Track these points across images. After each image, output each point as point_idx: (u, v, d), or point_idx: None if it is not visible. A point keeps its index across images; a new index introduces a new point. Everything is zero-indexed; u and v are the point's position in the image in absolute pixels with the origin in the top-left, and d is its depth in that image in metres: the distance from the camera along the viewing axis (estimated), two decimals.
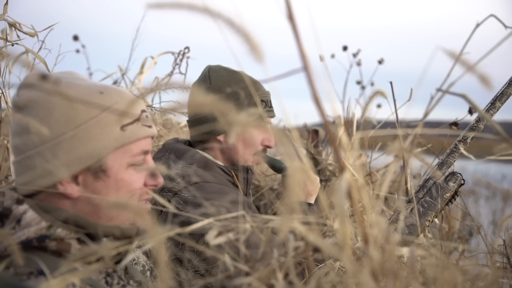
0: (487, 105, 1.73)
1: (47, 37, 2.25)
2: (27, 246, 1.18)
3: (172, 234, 0.99)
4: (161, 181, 1.36)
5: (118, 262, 1.21)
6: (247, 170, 2.03)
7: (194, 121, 2.04)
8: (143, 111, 1.31)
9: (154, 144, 2.51)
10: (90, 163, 1.23)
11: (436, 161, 1.82)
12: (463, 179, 1.67)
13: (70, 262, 1.06)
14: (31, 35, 2.10)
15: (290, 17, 0.90)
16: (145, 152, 1.32)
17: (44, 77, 0.78)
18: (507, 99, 1.70)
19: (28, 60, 1.90)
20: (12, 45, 1.97)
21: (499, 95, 1.70)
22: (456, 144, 1.68)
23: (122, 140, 1.26)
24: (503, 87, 1.72)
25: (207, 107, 0.81)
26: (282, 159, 2.19)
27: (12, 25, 1.98)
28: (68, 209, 1.24)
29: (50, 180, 1.23)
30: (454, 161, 1.68)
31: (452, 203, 1.63)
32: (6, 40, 1.96)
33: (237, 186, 1.97)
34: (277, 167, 2.20)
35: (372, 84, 3.16)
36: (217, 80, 1.97)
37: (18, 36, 2.06)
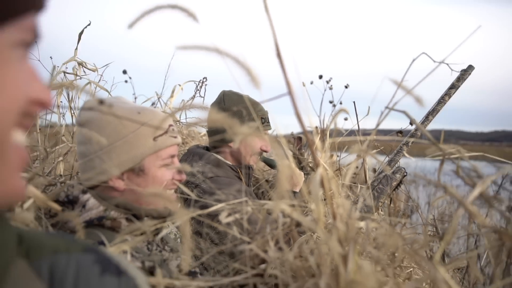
0: (422, 118, 1.73)
1: (105, 71, 2.25)
2: (90, 224, 1.18)
3: (194, 215, 0.99)
4: (184, 177, 1.37)
5: (156, 234, 1.21)
6: (249, 167, 2.02)
7: (211, 132, 2.03)
8: (170, 125, 1.32)
9: (181, 149, 2.51)
10: (133, 165, 1.24)
11: (387, 159, 1.82)
12: (406, 172, 1.67)
13: (122, 235, 1.07)
14: (93, 71, 2.10)
15: (278, 55, 0.91)
16: (172, 156, 1.33)
17: (101, 101, 0.78)
18: (437, 113, 1.71)
19: (91, 89, 1.90)
20: (80, 78, 1.98)
21: (431, 110, 1.71)
22: (400, 147, 1.68)
23: (154, 148, 1.27)
24: (434, 104, 1.72)
25: (220, 122, 0.82)
26: (274, 159, 2.19)
27: (80, 63, 1.99)
28: (118, 198, 1.25)
29: (105, 177, 1.24)
30: (399, 159, 1.69)
31: (398, 189, 1.63)
32: (76, 75, 1.96)
33: (241, 179, 1.96)
34: (272, 165, 2.20)
35: (340, 103, 3.16)
36: (229, 101, 1.97)
37: (84, 71, 2.06)
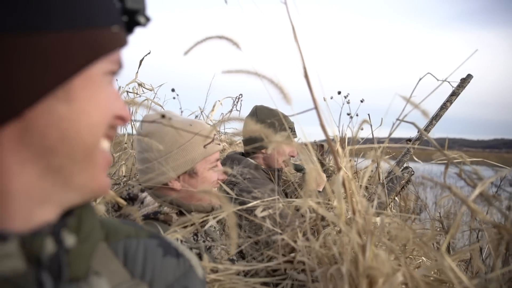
0: (427, 123, 1.70)
1: (158, 90, 2.33)
2: (147, 217, 1.23)
3: (237, 209, 1.02)
4: (225, 177, 1.41)
5: (202, 226, 1.25)
6: (279, 170, 2.04)
7: (247, 141, 2.06)
8: (215, 135, 1.36)
9: (221, 155, 2.54)
10: (187, 169, 1.29)
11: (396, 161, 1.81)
12: (413, 171, 1.65)
13: (174, 226, 1.11)
14: (150, 90, 2.18)
15: (306, 76, 0.93)
16: (217, 160, 1.37)
17: (163, 115, 0.82)
18: (439, 118, 1.68)
19: (148, 105, 1.97)
20: (139, 96, 2.05)
21: (435, 115, 1.69)
22: (408, 149, 1.66)
23: (204, 154, 1.32)
24: (437, 110, 1.70)
25: (257, 131, 0.85)
26: (301, 163, 2.20)
27: (139, 84, 2.06)
28: (175, 196, 1.29)
29: (165, 179, 1.28)
30: (406, 159, 1.67)
31: (406, 186, 1.62)
32: (136, 93, 2.04)
33: (272, 181, 1.98)
34: (298, 169, 2.20)
35: (357, 115, 3.15)
36: (261, 114, 1.99)
37: (142, 90, 2.14)
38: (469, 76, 1.64)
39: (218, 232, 1.47)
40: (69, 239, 0.48)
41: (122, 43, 0.50)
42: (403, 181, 1.56)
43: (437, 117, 1.68)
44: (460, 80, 1.63)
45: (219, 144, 1.38)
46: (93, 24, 0.46)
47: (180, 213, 1.27)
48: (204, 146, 1.31)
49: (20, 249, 0.43)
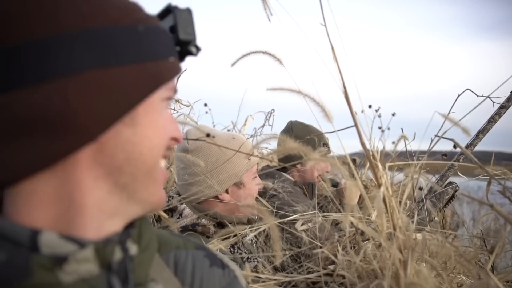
0: (473, 137, 1.60)
1: (194, 105, 2.40)
2: (185, 229, 1.26)
3: (277, 222, 1.04)
4: (262, 186, 1.46)
5: (243, 238, 1.27)
6: (313, 185, 2.04)
7: (285, 158, 2.06)
8: (253, 147, 1.41)
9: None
10: (236, 180, 1.33)
11: (438, 176, 1.76)
12: (458, 186, 1.60)
13: (216, 237, 1.14)
14: (187, 106, 2.24)
15: (345, 94, 0.95)
16: (256, 171, 1.42)
17: (208, 134, 0.87)
18: (487, 132, 1.61)
19: (184, 119, 2.02)
20: (176, 112, 2.12)
21: (481, 129, 1.61)
22: (451, 164, 1.60)
23: (249, 165, 1.36)
24: (484, 123, 1.62)
25: (295, 150, 0.88)
26: (333, 178, 2.19)
27: (177, 101, 2.14)
28: (218, 208, 1.33)
29: (213, 192, 1.32)
30: (450, 174, 1.62)
31: (451, 203, 1.56)
32: (174, 109, 2.11)
33: (307, 196, 1.98)
34: (332, 184, 2.20)
35: (388, 128, 3.11)
36: (296, 130, 2.00)
37: (179, 106, 2.21)
38: None
39: (254, 244, 1.50)
40: (133, 248, 0.53)
41: (177, 71, 0.56)
42: (447, 197, 1.51)
43: (484, 131, 1.60)
44: (511, 92, 1.56)
45: (256, 156, 1.42)
46: (154, 57, 0.52)
47: (218, 225, 1.30)
48: (248, 158, 1.34)
49: (95, 255, 0.48)
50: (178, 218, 1.29)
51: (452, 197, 1.56)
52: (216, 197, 1.32)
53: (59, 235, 0.46)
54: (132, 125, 0.50)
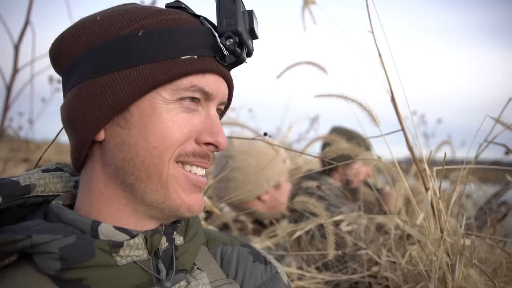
0: None
1: (239, 110, 2.45)
2: (225, 225, 1.33)
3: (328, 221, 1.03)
4: (291, 187, 1.55)
5: (290, 236, 1.28)
6: (356, 189, 2.01)
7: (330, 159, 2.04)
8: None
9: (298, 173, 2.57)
10: (275, 182, 1.38)
11: (485, 187, 1.68)
12: (511, 206, 1.51)
13: (265, 233, 1.17)
14: (232, 110, 2.32)
15: (393, 99, 0.95)
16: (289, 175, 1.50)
17: (265, 133, 0.89)
18: None
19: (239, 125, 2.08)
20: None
21: None
22: (508, 182, 1.50)
23: (284, 169, 1.40)
24: None
25: (346, 150, 0.89)
26: (375, 183, 2.15)
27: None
28: (258, 207, 1.38)
29: (260, 191, 1.40)
30: (505, 193, 1.53)
31: (502, 220, 1.48)
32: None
33: (348, 198, 1.96)
34: (374, 188, 2.15)
35: (434, 135, 3.02)
36: (341, 135, 1.99)
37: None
38: None
39: (288, 243, 1.50)
40: (178, 239, 0.59)
41: (194, 70, 0.53)
42: (499, 215, 1.43)
43: None
44: None
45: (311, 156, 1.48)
46: (153, 59, 0.52)
47: (255, 222, 1.36)
48: (284, 162, 1.40)
49: (144, 243, 0.54)
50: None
51: (505, 216, 1.47)
52: (258, 198, 1.38)
53: (113, 226, 0.53)
54: (126, 127, 0.53)
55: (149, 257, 0.54)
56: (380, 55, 0.92)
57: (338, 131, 2.02)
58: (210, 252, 0.67)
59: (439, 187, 0.86)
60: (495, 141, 1.14)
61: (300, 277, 1.06)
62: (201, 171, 0.57)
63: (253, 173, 1.33)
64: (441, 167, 0.89)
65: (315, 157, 1.03)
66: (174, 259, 0.56)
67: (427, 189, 0.86)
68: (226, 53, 0.55)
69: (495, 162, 1.72)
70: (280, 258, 1.32)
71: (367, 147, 2.03)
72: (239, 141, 1.39)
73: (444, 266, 0.86)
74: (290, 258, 1.28)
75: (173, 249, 0.57)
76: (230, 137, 1.42)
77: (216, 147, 0.56)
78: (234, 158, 1.37)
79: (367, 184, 2.09)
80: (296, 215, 1.33)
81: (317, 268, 1.08)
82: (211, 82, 0.55)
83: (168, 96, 0.53)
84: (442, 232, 0.87)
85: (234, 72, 0.62)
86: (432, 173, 0.89)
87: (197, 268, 0.61)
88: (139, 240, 0.53)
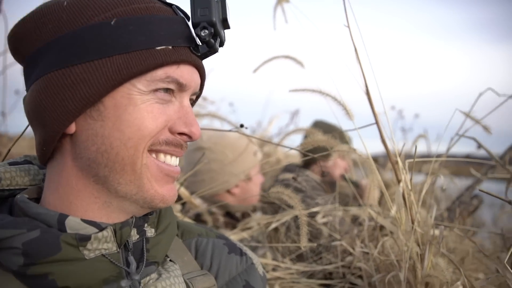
0: (505, 150, 1.56)
1: (220, 105, 2.45)
2: (197, 217, 1.31)
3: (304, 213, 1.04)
4: (263, 179, 1.56)
5: (266, 227, 1.29)
6: (333, 182, 2.03)
7: (306, 152, 2.05)
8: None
9: (278, 166, 2.58)
10: (245, 176, 1.39)
11: (458, 180, 1.73)
12: (483, 200, 1.55)
13: (240, 226, 1.17)
14: (212, 103, 2.30)
15: (367, 93, 0.96)
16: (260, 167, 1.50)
17: (241, 125, 0.88)
18: None
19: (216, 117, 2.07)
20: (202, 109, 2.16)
21: None
22: (480, 176, 1.54)
23: (255, 161, 1.42)
24: None
25: (322, 142, 0.90)
26: (353, 177, 2.18)
27: (203, 98, 2.19)
28: (229, 200, 1.39)
29: (228, 186, 1.38)
30: (476, 187, 1.57)
31: (474, 213, 1.53)
32: (200, 106, 2.17)
33: (325, 191, 1.98)
34: (353, 183, 2.18)
35: (411, 130, 3.08)
36: (321, 128, 2.00)
37: (205, 104, 2.26)
38: None
39: (264, 234, 1.51)
40: (150, 231, 0.58)
41: (170, 61, 0.52)
42: (471, 208, 1.47)
43: None
44: None
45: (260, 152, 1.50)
46: (127, 49, 0.50)
47: (226, 215, 1.36)
48: (254, 154, 1.39)
49: (113, 236, 0.53)
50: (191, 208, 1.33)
51: (476, 209, 1.52)
52: (228, 191, 1.38)
53: (81, 219, 0.52)
54: (100, 119, 0.51)
55: (118, 250, 0.53)
56: (355, 49, 0.93)
57: (319, 125, 2.04)
58: (185, 244, 0.66)
59: (410, 179, 0.88)
60: (465, 135, 1.17)
61: (275, 268, 1.07)
62: (174, 161, 0.57)
63: (224, 166, 1.33)
64: (412, 160, 0.91)
65: (291, 148, 1.03)
66: (145, 252, 0.56)
67: (399, 181, 0.88)
68: (199, 44, 0.55)
69: (468, 156, 1.77)
70: (255, 250, 1.33)
71: (347, 141, 2.05)
72: (209, 133, 1.38)
73: (414, 256, 0.88)
74: (265, 250, 1.29)
75: (144, 242, 0.56)
76: (204, 129, 1.42)
77: (190, 137, 0.56)
78: (210, 150, 1.36)
79: (344, 178, 2.11)
80: (273, 207, 1.34)
81: (292, 260, 1.10)
82: (186, 73, 0.55)
83: (143, 87, 0.52)
84: (413, 223, 0.89)
85: (212, 65, 0.62)
86: (404, 166, 0.91)
87: (170, 260, 0.61)
88: (107, 233, 0.52)
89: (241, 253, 0.68)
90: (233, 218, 1.38)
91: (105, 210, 0.55)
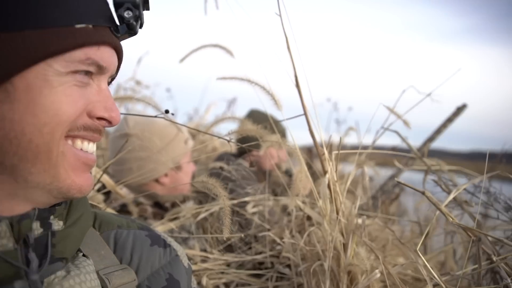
0: (421, 144, 1.64)
1: (156, 89, 2.35)
2: (122, 208, 1.23)
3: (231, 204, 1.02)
4: (195, 168, 1.48)
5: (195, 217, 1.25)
6: (268, 172, 2.04)
7: (241, 140, 2.04)
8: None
9: (212, 155, 2.54)
10: (174, 165, 1.33)
11: (383, 171, 1.83)
12: (404, 188, 1.66)
13: (168, 215, 1.12)
14: (147, 88, 2.20)
15: (297, 84, 0.96)
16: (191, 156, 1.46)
17: (167, 111, 0.83)
18: (434, 141, 1.63)
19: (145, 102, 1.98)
20: (136, 95, 2.06)
21: (429, 138, 1.63)
22: (402, 166, 1.64)
23: (185, 150, 1.37)
24: (432, 133, 1.66)
25: (252, 131, 0.88)
26: (289, 168, 2.21)
27: (137, 82, 2.08)
28: (157, 190, 1.32)
29: (156, 174, 1.31)
30: (400, 175, 1.67)
31: (395, 200, 1.63)
32: (134, 91, 2.06)
33: (258, 180, 1.98)
34: (287, 172, 2.22)
35: (344, 122, 3.20)
36: (256, 117, 1.99)
37: (139, 89, 2.15)
38: (464, 106, 1.64)
39: (193, 225, 1.48)
40: (57, 224, 0.52)
41: (91, 41, 0.48)
42: (393, 195, 1.57)
43: (431, 139, 1.67)
44: (456, 108, 1.63)
45: (192, 140, 1.45)
46: (43, 23, 0.45)
47: (154, 205, 1.29)
48: (185, 142, 1.33)
49: (9, 231, 0.46)
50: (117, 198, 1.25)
51: (397, 196, 1.62)
52: (156, 180, 1.30)
53: None
54: (8, 101, 0.45)
55: (16, 246, 0.47)
56: (286, 39, 0.92)
57: (253, 114, 2.03)
58: (103, 237, 0.61)
59: (336, 171, 0.89)
60: (389, 129, 1.24)
61: (204, 259, 1.05)
62: (92, 147, 0.53)
63: (153, 153, 1.26)
64: (338, 152, 0.93)
65: (218, 137, 1.01)
66: (50, 247, 0.50)
67: (325, 173, 0.90)
68: (119, 24, 0.52)
69: (393, 148, 1.88)
70: (183, 241, 1.29)
71: (283, 133, 2.07)
72: (136, 119, 1.30)
73: (338, 245, 0.90)
74: (194, 241, 1.26)
75: (49, 236, 0.50)
76: (128, 114, 1.33)
77: (110, 122, 0.52)
78: (138, 137, 1.27)
79: (279, 168, 2.13)
80: (202, 196, 1.30)
81: (221, 250, 1.08)
82: (106, 55, 0.50)
83: (61, 68, 0.46)
84: (337, 213, 0.92)
85: (148, 48, 0.59)
86: (330, 158, 0.93)
87: (83, 255, 0.55)
88: (1, 227, 0.46)
89: (165, 245, 0.64)
90: (162, 209, 1.31)
91: (8, 202, 0.48)
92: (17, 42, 0.44)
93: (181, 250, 0.67)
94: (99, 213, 0.64)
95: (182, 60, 0.97)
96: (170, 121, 1.13)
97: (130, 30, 0.52)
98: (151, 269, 0.61)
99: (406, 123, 0.99)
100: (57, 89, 0.47)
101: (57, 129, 0.47)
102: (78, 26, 0.47)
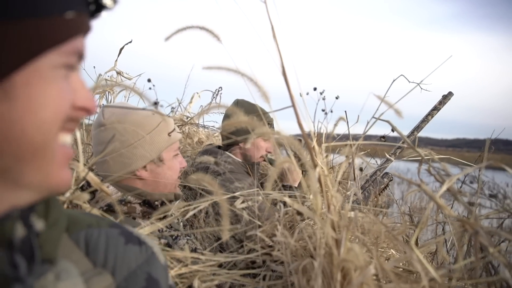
0: (409, 133, 1.65)
1: (138, 79, 2.28)
2: (109, 207, 1.16)
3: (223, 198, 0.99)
4: (186, 165, 1.39)
5: (183, 216, 1.20)
6: (257, 164, 2.02)
7: (227, 134, 2.01)
8: (175, 124, 1.34)
9: (199, 147, 2.50)
10: (154, 157, 1.25)
11: (373, 161, 1.83)
12: (392, 177, 1.67)
13: (156, 214, 1.08)
14: (129, 79, 2.13)
15: (284, 73, 0.93)
16: (178, 148, 1.35)
17: (156, 103, 0.79)
18: (421, 130, 1.65)
19: (126, 94, 1.92)
20: (118, 85, 1.99)
21: (416, 127, 1.66)
22: (389, 156, 1.65)
23: (169, 141, 1.28)
24: (419, 122, 1.67)
25: (243, 123, 0.85)
26: (270, 156, 2.18)
27: (118, 73, 2.02)
28: (138, 186, 1.25)
29: (134, 167, 1.23)
30: (388, 166, 1.68)
31: (384, 191, 1.64)
32: (115, 81, 1.99)
33: (249, 174, 1.96)
34: (272, 163, 2.20)
35: (331, 111, 3.17)
36: (243, 108, 1.95)
37: (121, 79, 2.09)
38: (450, 94, 1.65)
39: (181, 223, 1.42)
40: (39, 224, 0.48)
41: (80, 30, 0.45)
42: (383, 186, 1.58)
43: (418, 128, 1.68)
44: (442, 96, 1.64)
45: (180, 133, 1.36)
46: (37, 13, 0.41)
47: (144, 204, 1.23)
48: (169, 134, 1.26)
49: None
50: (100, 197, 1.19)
51: (387, 186, 1.63)
52: (134, 175, 1.23)
53: None
54: (6, 100, 0.41)
55: (1, 250, 0.43)
56: (272, 27, 0.88)
57: (241, 103, 1.99)
58: (72, 239, 0.56)
59: (326, 163, 0.86)
60: (381, 118, 1.22)
61: (195, 261, 1.02)
62: (68, 140, 0.49)
63: (129, 146, 1.19)
64: (329, 144, 0.90)
65: (204, 127, 0.97)
66: (36, 248, 0.46)
67: (315, 165, 0.87)
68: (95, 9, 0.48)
69: (383, 137, 1.87)
70: (175, 240, 1.25)
71: (271, 123, 2.04)
72: (112, 110, 1.24)
73: (329, 241, 0.88)
74: (184, 241, 1.22)
75: (33, 236, 0.47)
76: (116, 106, 1.28)
77: (89, 111, 0.49)
78: (114, 128, 1.19)
79: (267, 159, 2.11)
80: (187, 193, 1.27)
81: (213, 250, 1.05)
82: (83, 44, 0.47)
83: (55, 61, 0.43)
84: (329, 208, 0.89)
85: (131, 37, 0.54)
86: (320, 150, 0.90)
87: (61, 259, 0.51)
88: None
89: (140, 242, 0.60)
90: (152, 207, 1.26)
91: None
92: (16, 32, 0.40)
93: (156, 247, 0.63)
94: (65, 212, 0.58)
95: (167, 38, 0.92)
96: (159, 113, 1.08)
97: (98, 13, 0.49)
98: (127, 269, 0.57)
99: (398, 112, 0.96)
100: (52, 84, 0.44)
101: (54, 125, 0.45)
102: (68, 13, 0.44)
